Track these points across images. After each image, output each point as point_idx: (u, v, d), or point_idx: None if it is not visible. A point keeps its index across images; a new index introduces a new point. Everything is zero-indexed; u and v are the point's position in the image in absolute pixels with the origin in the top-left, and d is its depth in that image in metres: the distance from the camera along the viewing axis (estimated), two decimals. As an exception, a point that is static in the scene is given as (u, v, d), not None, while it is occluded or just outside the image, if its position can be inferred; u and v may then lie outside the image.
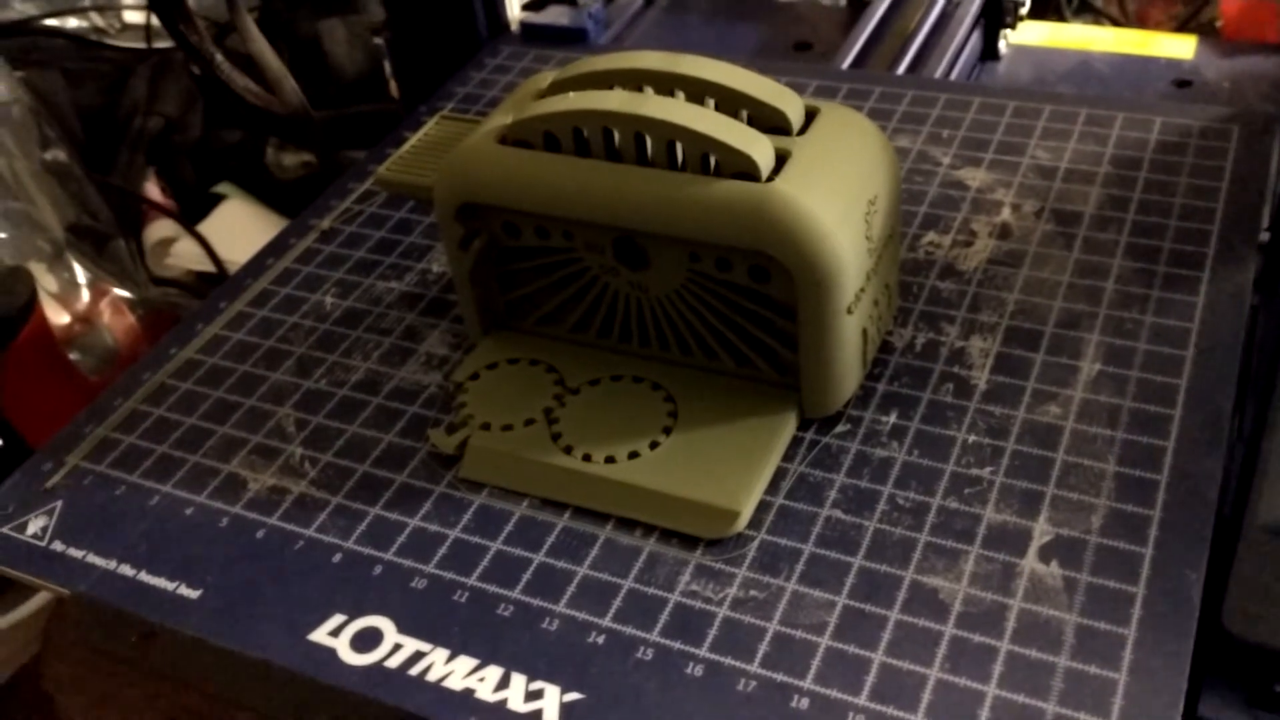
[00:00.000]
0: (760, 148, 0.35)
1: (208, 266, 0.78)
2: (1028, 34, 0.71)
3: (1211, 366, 0.39)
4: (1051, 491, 0.36)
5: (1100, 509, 0.35)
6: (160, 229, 0.81)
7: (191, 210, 0.83)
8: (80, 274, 0.72)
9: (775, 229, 0.34)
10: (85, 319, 0.70)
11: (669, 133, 0.35)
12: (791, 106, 0.37)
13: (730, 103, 0.37)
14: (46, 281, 0.70)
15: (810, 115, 0.38)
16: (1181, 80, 0.65)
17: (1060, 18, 0.80)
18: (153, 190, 0.83)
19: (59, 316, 0.70)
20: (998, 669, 0.32)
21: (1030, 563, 0.34)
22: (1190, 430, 0.37)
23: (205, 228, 0.80)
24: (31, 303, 0.60)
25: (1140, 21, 0.83)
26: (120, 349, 0.71)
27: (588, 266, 0.40)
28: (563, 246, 0.39)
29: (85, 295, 0.72)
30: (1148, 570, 0.33)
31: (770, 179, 0.35)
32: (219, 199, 0.83)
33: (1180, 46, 0.69)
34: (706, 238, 0.36)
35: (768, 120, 0.37)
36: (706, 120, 0.35)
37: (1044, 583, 0.34)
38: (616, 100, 0.36)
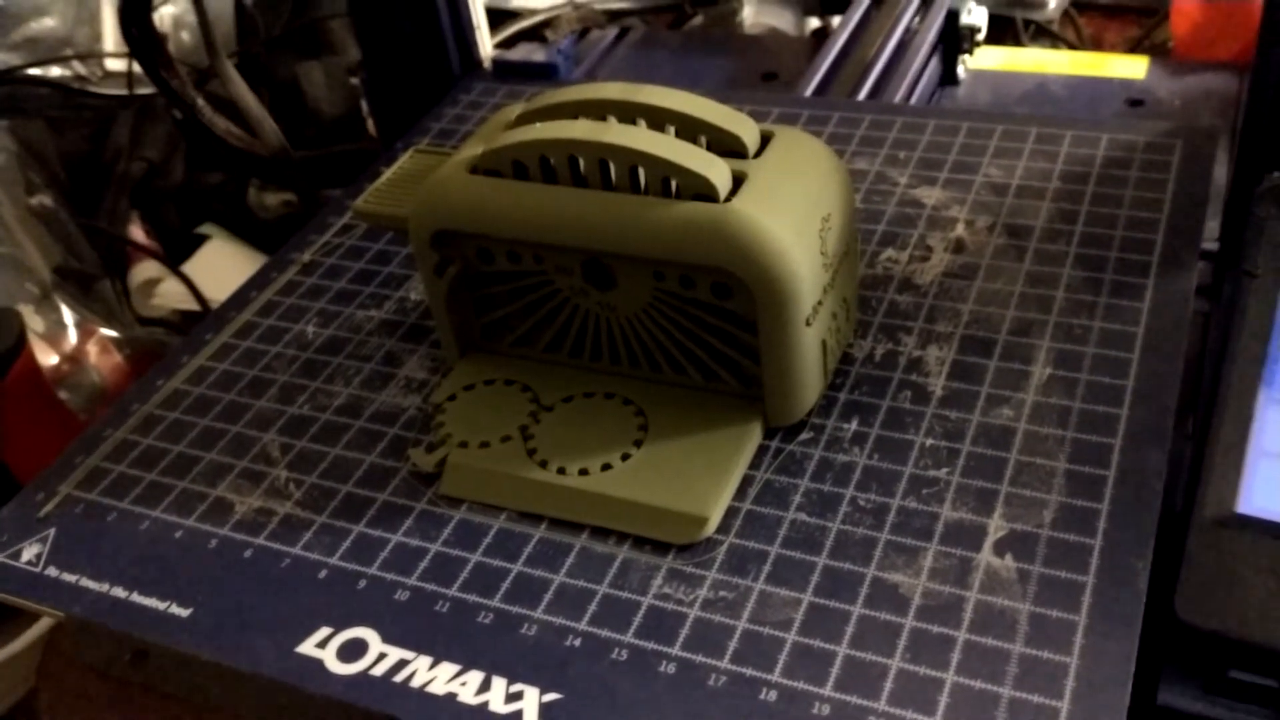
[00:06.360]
0: (718, 170, 0.37)
1: (193, 305, 0.80)
2: (985, 59, 0.73)
3: (1156, 367, 0.41)
4: (1005, 489, 0.38)
5: (1052, 504, 0.37)
6: (145, 270, 0.82)
7: (176, 252, 0.84)
8: (67, 315, 0.74)
9: (734, 246, 0.36)
10: (73, 358, 0.72)
11: (631, 158, 0.37)
12: (747, 131, 0.39)
13: (689, 129, 0.39)
14: (34, 323, 0.71)
15: (765, 139, 0.40)
16: (1134, 99, 0.68)
17: (1017, 42, 0.83)
18: (137, 233, 0.84)
19: (47, 357, 0.71)
20: (956, 657, 0.33)
21: (986, 556, 0.36)
22: (1136, 428, 0.39)
23: (189, 268, 0.82)
24: (21, 342, 0.62)
25: (1095, 44, 0.86)
26: (108, 387, 0.72)
27: (558, 289, 0.41)
28: (534, 270, 0.41)
29: (73, 335, 0.73)
30: (1097, 560, 0.35)
31: (728, 199, 0.37)
32: (203, 240, 0.85)
33: (1133, 67, 0.71)
34: (669, 257, 0.37)
35: (725, 144, 0.39)
36: (666, 146, 0.37)
37: (999, 575, 0.35)
38: (581, 129, 0.38)
